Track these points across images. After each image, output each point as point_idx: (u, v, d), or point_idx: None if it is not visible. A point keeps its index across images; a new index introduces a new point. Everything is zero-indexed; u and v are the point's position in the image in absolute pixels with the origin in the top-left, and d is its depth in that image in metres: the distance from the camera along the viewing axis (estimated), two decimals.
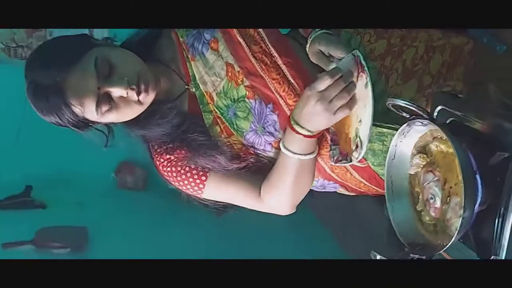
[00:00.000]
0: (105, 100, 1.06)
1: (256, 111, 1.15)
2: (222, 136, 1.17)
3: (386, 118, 1.11)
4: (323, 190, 1.30)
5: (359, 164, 1.15)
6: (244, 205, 1.20)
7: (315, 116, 1.02)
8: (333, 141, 1.11)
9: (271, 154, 1.17)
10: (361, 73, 1.00)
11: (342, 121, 1.06)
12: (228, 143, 1.17)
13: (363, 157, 1.08)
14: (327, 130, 1.12)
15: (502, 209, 0.87)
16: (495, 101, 1.00)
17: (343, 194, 1.33)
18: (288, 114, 1.14)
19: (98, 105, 1.06)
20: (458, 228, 0.86)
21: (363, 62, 0.99)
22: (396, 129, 1.10)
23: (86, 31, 1.19)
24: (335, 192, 1.32)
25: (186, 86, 1.18)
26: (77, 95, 1.05)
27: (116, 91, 1.06)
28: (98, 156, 3.43)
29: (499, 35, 1.03)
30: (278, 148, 1.15)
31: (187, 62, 1.18)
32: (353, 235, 2.48)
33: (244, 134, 1.16)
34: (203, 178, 1.18)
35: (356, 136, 1.02)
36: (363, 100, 1.00)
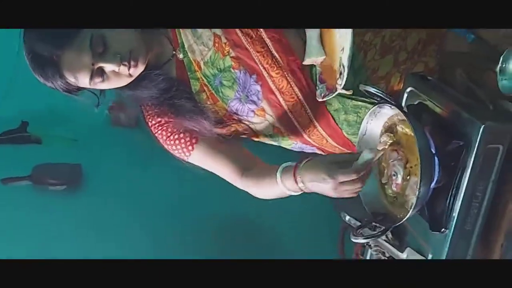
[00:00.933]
0: (98, 74, 1.14)
1: (240, 80, 1.23)
2: (208, 102, 1.26)
3: (362, 93, 1.19)
4: (302, 151, 1.40)
5: (345, 92, 1.18)
6: (225, 178, 1.31)
7: (322, 190, 1.07)
8: (320, 80, 1.20)
9: (253, 120, 1.27)
10: None
11: (329, 59, 1.16)
12: (213, 109, 1.26)
13: (337, 122, 1.23)
14: None
15: (454, 189, 0.98)
16: (460, 86, 1.09)
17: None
18: (271, 85, 1.22)
19: (91, 78, 1.14)
20: (413, 204, 0.98)
21: None
22: (370, 103, 1.19)
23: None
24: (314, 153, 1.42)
25: (174, 52, 1.25)
26: (72, 70, 1.12)
27: (109, 67, 1.13)
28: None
29: None
30: (261, 116, 1.25)
31: (177, 29, 1.24)
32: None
33: (229, 101, 1.25)
34: (193, 142, 1.27)
35: (340, 64, 1.12)
36: (343, 32, 1.09)
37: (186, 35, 1.24)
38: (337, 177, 1.03)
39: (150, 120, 1.29)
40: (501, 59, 0.97)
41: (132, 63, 1.14)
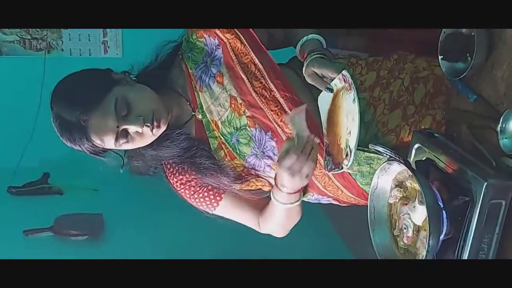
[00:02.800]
0: (122, 135, 1.22)
1: (256, 138, 1.31)
2: (226, 159, 1.34)
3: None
4: (318, 202, 1.47)
5: (349, 171, 1.30)
6: (248, 225, 1.42)
7: (291, 182, 1.20)
8: (327, 152, 1.27)
9: (271, 175, 1.35)
10: (350, 90, 1.16)
11: (334, 134, 1.24)
12: (232, 166, 1.34)
13: (351, 174, 1.29)
14: (321, 145, 1.28)
15: (461, 241, 1.03)
16: (465, 142, 1.15)
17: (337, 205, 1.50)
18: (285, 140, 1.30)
19: (116, 140, 1.22)
20: (424, 257, 1.04)
21: (351, 80, 1.16)
22: (382, 154, 1.26)
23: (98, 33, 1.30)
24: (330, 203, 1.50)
25: (193, 113, 1.34)
26: (98, 133, 1.21)
27: (133, 128, 1.22)
28: None
29: (471, 84, 1.17)
30: None
31: (195, 92, 1.33)
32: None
33: (246, 157, 1.33)
34: (217, 200, 1.37)
35: (346, 146, 1.19)
36: (351, 114, 1.16)
37: (204, 97, 1.32)
38: (284, 164, 1.15)
39: (172, 178, 1.37)
40: (501, 119, 1.03)
41: (155, 123, 1.22)
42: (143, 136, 1.24)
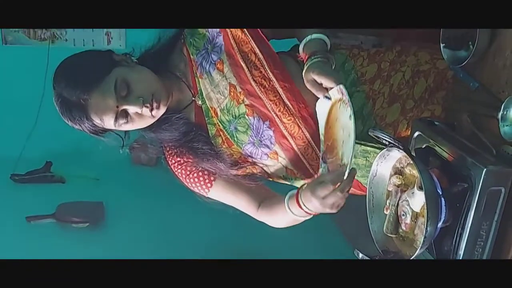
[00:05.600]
0: (122, 115, 1.22)
1: (254, 126, 1.31)
2: (224, 146, 1.34)
3: (370, 138, 1.24)
4: None
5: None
6: (243, 211, 1.39)
7: (316, 208, 1.17)
8: (323, 159, 1.27)
9: (267, 163, 1.35)
10: (346, 104, 1.13)
11: (331, 143, 1.22)
12: (229, 153, 1.34)
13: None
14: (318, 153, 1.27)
15: (460, 229, 1.03)
16: (465, 131, 1.15)
17: None
18: (283, 130, 1.30)
19: (116, 120, 1.22)
20: (421, 243, 1.04)
21: (346, 96, 1.13)
22: (378, 148, 1.26)
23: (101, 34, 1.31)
24: None
25: (193, 98, 1.34)
26: (98, 112, 1.20)
27: (132, 109, 1.21)
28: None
29: (473, 72, 1.17)
30: (274, 158, 1.33)
31: (196, 78, 1.33)
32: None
33: (243, 145, 1.33)
34: (211, 180, 1.35)
35: (341, 158, 1.17)
36: (347, 129, 1.13)
37: (204, 84, 1.32)
38: (318, 194, 1.13)
39: (170, 159, 1.37)
40: (502, 106, 1.03)
41: (154, 104, 1.22)
42: (142, 117, 1.24)
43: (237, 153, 1.34)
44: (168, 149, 1.38)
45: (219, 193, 1.37)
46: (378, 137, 1.11)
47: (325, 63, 1.23)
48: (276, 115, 1.30)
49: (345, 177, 1.11)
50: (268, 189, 1.40)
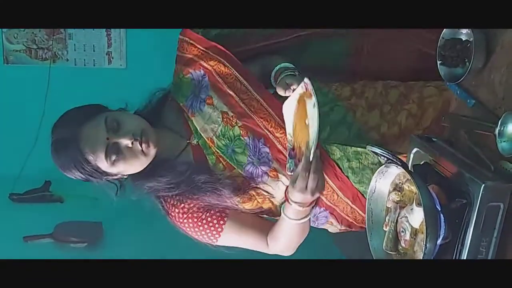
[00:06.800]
0: (113, 149, 1.25)
1: (251, 146, 1.35)
2: (225, 171, 1.36)
3: (359, 141, 1.34)
4: (316, 223, 1.46)
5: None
6: (255, 249, 1.44)
7: (306, 199, 1.27)
8: (290, 155, 1.31)
9: (268, 183, 1.36)
10: (311, 96, 1.21)
11: (297, 138, 1.27)
12: (231, 177, 1.36)
13: (342, 170, 1.35)
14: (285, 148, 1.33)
15: (459, 245, 1.03)
16: (463, 147, 1.16)
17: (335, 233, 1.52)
18: (278, 145, 1.34)
19: (107, 154, 1.24)
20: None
21: (310, 87, 1.20)
22: (379, 157, 1.27)
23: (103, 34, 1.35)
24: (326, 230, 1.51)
25: (188, 141, 1.39)
26: (89, 144, 1.24)
27: (123, 141, 1.25)
28: None
29: (469, 89, 1.18)
30: (274, 177, 1.34)
31: (188, 121, 1.39)
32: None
33: (244, 166, 1.36)
34: (221, 223, 1.37)
35: (307, 148, 1.23)
36: (312, 118, 1.20)
37: (196, 120, 1.37)
38: (299, 186, 1.23)
39: (172, 210, 1.38)
40: (499, 122, 1.03)
41: (143, 139, 1.26)
42: (134, 153, 1.26)
43: (239, 176, 1.36)
44: (168, 200, 1.39)
45: (230, 235, 1.39)
46: (376, 153, 1.11)
47: (295, 75, 1.34)
48: (269, 131, 1.35)
49: (311, 159, 1.21)
50: (271, 222, 1.43)
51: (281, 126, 1.34)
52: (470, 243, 1.01)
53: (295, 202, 1.27)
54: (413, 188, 1.10)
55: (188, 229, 1.38)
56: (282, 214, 1.33)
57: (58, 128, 1.30)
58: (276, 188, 1.36)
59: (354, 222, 1.43)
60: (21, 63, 3.41)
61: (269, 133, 1.35)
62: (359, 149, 1.35)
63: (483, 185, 0.97)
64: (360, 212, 1.40)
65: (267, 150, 1.35)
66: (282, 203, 1.37)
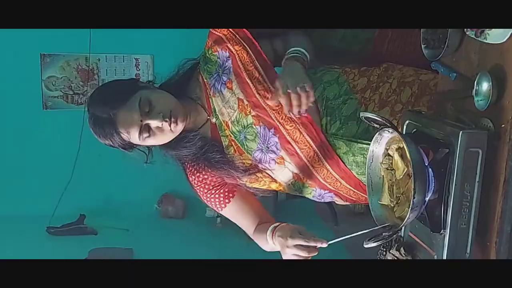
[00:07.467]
0: (145, 129, 1.39)
1: (261, 134, 1.47)
2: (236, 155, 1.50)
3: (366, 136, 1.43)
4: (322, 200, 1.60)
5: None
6: (243, 228, 1.60)
7: (280, 247, 1.39)
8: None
9: (274, 168, 1.49)
10: None
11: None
12: (240, 160, 1.50)
13: (346, 165, 1.44)
14: None
15: (446, 193, 1.14)
16: (450, 117, 1.28)
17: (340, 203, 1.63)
18: (287, 136, 1.46)
19: (140, 133, 1.39)
20: (407, 215, 1.15)
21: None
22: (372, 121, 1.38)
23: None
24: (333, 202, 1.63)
25: (208, 117, 1.52)
26: (125, 126, 1.38)
27: (154, 123, 1.39)
28: (143, 188, 3.77)
29: (451, 64, 1.32)
30: (280, 163, 1.48)
31: (210, 98, 1.51)
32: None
33: (253, 152, 1.49)
34: (226, 202, 1.54)
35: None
36: None
37: (216, 101, 1.50)
38: (293, 238, 1.33)
39: (191, 175, 1.54)
40: (475, 83, 1.16)
41: (172, 119, 1.39)
42: (163, 131, 1.41)
43: (247, 160, 1.50)
44: (189, 166, 1.54)
45: (231, 213, 1.56)
46: (368, 118, 1.24)
47: (298, 59, 1.45)
48: (280, 123, 1.46)
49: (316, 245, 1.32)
50: (267, 215, 1.58)
51: (292, 119, 1.45)
52: (455, 189, 1.11)
53: (273, 242, 1.42)
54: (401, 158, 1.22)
55: (200, 194, 1.54)
56: (267, 237, 1.44)
57: (94, 103, 1.41)
58: (281, 171, 1.48)
59: (357, 200, 1.55)
60: (58, 108, 3.67)
61: (279, 125, 1.46)
62: (364, 145, 1.44)
63: (461, 131, 1.09)
64: (363, 194, 1.51)
65: (276, 139, 1.46)
66: (289, 183, 1.50)
